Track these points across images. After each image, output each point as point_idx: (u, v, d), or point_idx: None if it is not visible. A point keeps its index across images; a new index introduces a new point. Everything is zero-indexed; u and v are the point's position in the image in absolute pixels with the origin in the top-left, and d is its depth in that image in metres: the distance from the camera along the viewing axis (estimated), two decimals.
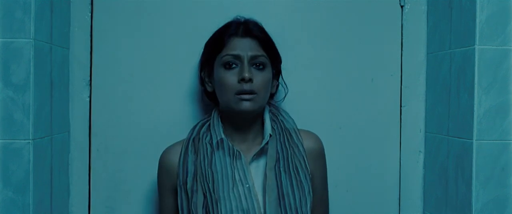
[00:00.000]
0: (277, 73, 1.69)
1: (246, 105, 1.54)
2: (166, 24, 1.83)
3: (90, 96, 1.83)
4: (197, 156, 1.57)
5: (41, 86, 1.55)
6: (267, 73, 1.59)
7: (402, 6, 1.89)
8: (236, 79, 1.54)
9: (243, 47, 1.56)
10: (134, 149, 1.81)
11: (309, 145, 1.64)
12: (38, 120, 1.53)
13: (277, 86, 1.70)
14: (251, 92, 1.54)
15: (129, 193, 1.83)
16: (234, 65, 1.56)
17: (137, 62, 1.82)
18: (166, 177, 1.61)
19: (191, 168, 1.56)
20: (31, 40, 1.49)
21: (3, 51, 1.48)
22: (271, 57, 1.61)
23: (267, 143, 1.59)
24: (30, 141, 1.50)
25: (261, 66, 1.57)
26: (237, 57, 1.56)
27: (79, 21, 1.81)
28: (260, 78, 1.56)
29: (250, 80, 1.53)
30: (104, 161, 1.83)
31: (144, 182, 1.81)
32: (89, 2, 1.82)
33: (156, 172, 1.65)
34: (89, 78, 1.82)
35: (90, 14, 1.82)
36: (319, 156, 1.67)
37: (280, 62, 1.69)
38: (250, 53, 1.56)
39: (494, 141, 1.60)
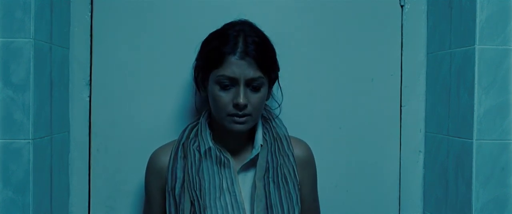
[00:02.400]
0: (273, 81, 1.65)
1: (239, 127, 1.52)
2: (166, 24, 1.83)
3: (90, 96, 1.82)
4: (185, 161, 1.57)
5: (41, 86, 1.55)
6: (263, 92, 1.55)
7: (402, 6, 1.89)
8: (231, 101, 1.51)
9: (240, 69, 1.50)
10: (135, 149, 1.81)
11: (299, 153, 1.64)
12: (38, 120, 1.53)
13: (270, 95, 1.68)
14: (244, 115, 1.52)
15: (129, 193, 1.83)
16: (229, 87, 1.52)
17: (137, 62, 1.82)
18: (156, 178, 1.61)
19: (180, 174, 1.55)
20: (31, 40, 1.49)
21: (3, 51, 1.48)
22: (268, 75, 1.56)
23: (257, 154, 1.58)
24: (30, 140, 1.49)
25: (257, 88, 1.53)
26: (233, 80, 1.51)
27: (79, 21, 1.81)
28: (255, 100, 1.53)
29: (245, 106, 1.51)
30: (104, 161, 1.83)
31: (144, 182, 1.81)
32: (89, 2, 1.82)
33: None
34: (89, 78, 1.82)
35: (90, 14, 1.82)
36: (308, 164, 1.66)
37: (278, 70, 1.65)
38: (247, 77, 1.50)
39: (494, 141, 1.60)
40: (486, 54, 1.59)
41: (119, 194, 1.83)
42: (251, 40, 1.53)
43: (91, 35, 1.82)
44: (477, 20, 1.59)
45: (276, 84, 1.69)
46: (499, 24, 1.59)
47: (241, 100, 1.49)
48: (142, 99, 1.82)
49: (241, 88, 1.50)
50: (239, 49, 1.51)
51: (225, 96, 1.51)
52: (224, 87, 1.51)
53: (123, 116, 1.82)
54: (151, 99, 1.82)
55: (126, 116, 1.82)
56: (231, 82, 1.51)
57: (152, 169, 1.62)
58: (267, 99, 1.66)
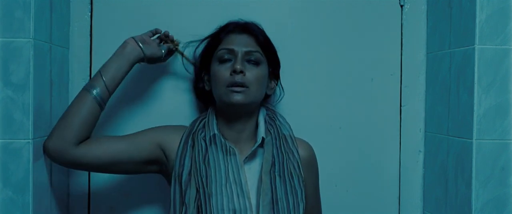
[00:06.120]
0: (275, 75, 1.69)
1: (237, 97, 1.55)
2: (166, 24, 1.82)
3: None
4: (193, 151, 1.58)
5: (41, 86, 1.55)
6: (262, 70, 1.60)
7: (402, 6, 1.89)
8: (229, 72, 1.56)
9: (239, 42, 1.59)
10: None
11: (302, 153, 1.65)
12: (37, 120, 1.53)
13: (274, 88, 1.70)
14: (242, 84, 1.55)
15: (129, 193, 1.83)
16: (228, 60, 1.58)
17: None
18: (163, 131, 1.62)
19: (187, 163, 1.57)
20: (30, 39, 1.49)
21: (3, 51, 1.48)
22: (267, 55, 1.62)
23: (261, 145, 1.59)
24: (30, 140, 1.49)
25: (256, 62, 1.59)
26: (232, 51, 1.58)
27: (79, 21, 1.81)
28: (253, 72, 1.57)
29: (242, 72, 1.55)
30: None
31: (144, 181, 1.81)
32: (89, 2, 1.82)
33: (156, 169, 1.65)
34: (89, 78, 1.82)
35: (90, 14, 1.82)
36: (311, 164, 1.68)
37: (278, 65, 1.69)
38: (244, 49, 1.58)
39: (494, 141, 1.60)
40: (486, 54, 1.59)
41: (119, 194, 1.83)
42: (252, 23, 1.66)
43: (91, 35, 1.82)
44: (477, 20, 1.59)
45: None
46: (499, 24, 1.59)
47: (238, 65, 1.54)
48: (142, 99, 1.82)
49: (239, 58, 1.57)
50: (239, 27, 1.61)
51: (224, 69, 1.57)
52: (223, 61, 1.58)
53: (122, 115, 1.82)
54: (150, 99, 1.82)
55: (126, 116, 1.82)
56: (230, 56, 1.58)
57: (169, 127, 1.65)
58: (270, 94, 1.68)
